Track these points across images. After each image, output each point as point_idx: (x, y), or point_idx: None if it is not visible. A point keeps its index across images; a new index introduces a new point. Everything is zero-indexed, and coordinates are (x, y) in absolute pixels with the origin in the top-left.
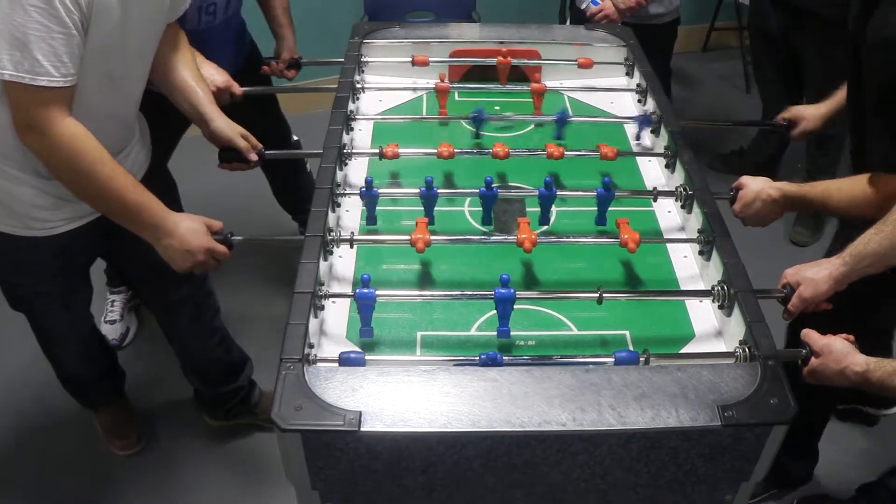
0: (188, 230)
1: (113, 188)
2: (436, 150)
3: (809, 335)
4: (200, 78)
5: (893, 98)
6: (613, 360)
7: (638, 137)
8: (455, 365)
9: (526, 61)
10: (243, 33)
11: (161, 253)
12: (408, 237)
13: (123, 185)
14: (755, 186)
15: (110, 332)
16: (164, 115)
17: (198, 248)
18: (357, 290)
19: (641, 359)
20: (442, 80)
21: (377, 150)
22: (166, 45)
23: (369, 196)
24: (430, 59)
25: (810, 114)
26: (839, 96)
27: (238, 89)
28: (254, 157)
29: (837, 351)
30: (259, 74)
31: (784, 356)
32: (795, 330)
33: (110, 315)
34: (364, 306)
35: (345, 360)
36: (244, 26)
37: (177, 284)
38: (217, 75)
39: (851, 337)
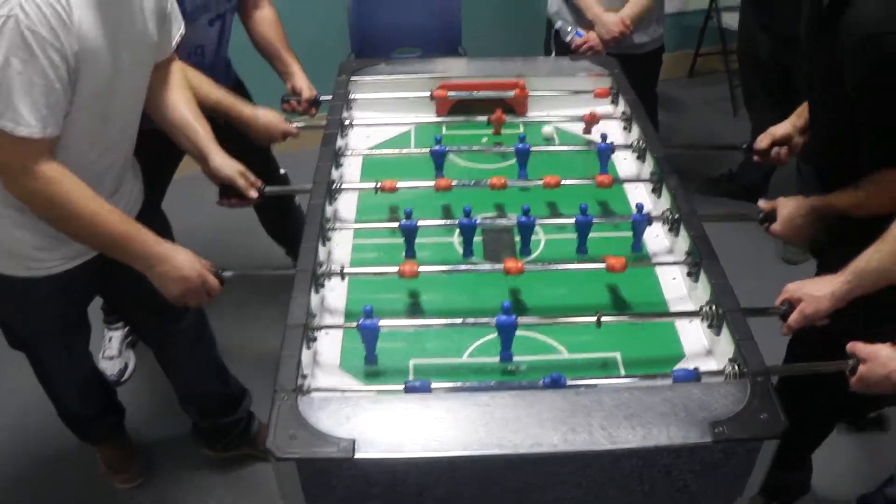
0: (180, 258)
1: (99, 224)
2: (433, 183)
3: (855, 346)
4: (199, 115)
5: (887, 97)
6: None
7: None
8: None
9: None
10: (229, 70)
11: (154, 281)
12: (397, 268)
13: (109, 220)
14: (792, 205)
15: (108, 367)
16: (156, 155)
17: (189, 273)
18: (360, 321)
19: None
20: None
21: (373, 185)
22: (163, 82)
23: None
24: (431, 92)
25: (786, 133)
26: (801, 109)
27: (293, 129)
28: (253, 194)
29: (884, 356)
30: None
31: (832, 367)
32: (795, 346)
33: (108, 351)
34: (369, 337)
35: (410, 388)
36: (230, 63)
37: (174, 319)
38: (275, 120)
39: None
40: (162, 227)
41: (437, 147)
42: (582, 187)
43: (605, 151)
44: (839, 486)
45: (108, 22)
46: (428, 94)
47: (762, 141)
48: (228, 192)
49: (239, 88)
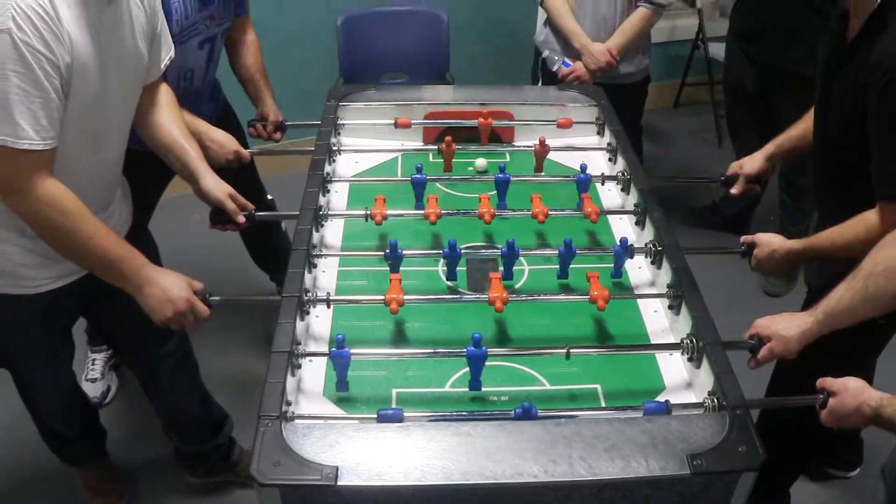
0: (170, 281)
1: (95, 244)
2: (423, 212)
3: (825, 380)
4: (190, 136)
5: None
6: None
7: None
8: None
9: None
10: (218, 92)
11: (142, 303)
12: (382, 297)
13: (105, 242)
14: (767, 244)
15: (91, 390)
16: (144, 175)
17: (178, 296)
18: (332, 350)
19: None
20: (448, 145)
21: (363, 212)
22: (152, 104)
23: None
24: (412, 120)
25: (747, 162)
26: (779, 140)
27: (247, 155)
28: (241, 219)
29: (853, 388)
30: (232, 131)
31: (803, 402)
32: (777, 379)
33: (91, 373)
34: (339, 365)
35: (383, 417)
36: (219, 86)
37: (158, 342)
38: (228, 143)
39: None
40: (148, 248)
41: (417, 175)
42: (567, 218)
43: (584, 182)
44: None
45: (97, 37)
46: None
47: (731, 169)
48: (220, 217)
49: (227, 112)
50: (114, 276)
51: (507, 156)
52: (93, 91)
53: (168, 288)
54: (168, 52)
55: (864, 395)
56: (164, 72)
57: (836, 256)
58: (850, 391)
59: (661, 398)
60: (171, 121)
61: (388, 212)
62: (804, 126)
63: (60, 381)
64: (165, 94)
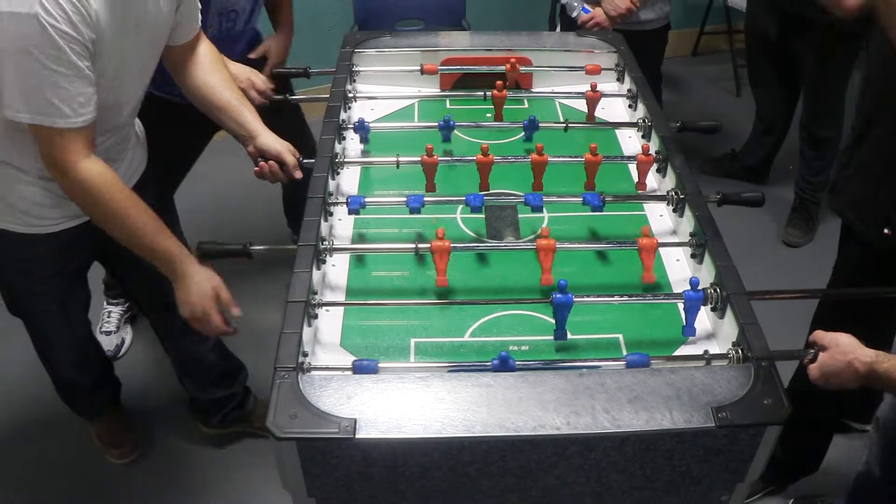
0: (194, 285)
1: (134, 230)
2: (475, 158)
3: (817, 333)
4: (243, 96)
5: None
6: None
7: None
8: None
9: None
10: (257, 40)
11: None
12: (397, 245)
13: (143, 228)
14: (844, 355)
15: (106, 342)
16: (181, 147)
17: (196, 304)
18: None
19: None
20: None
21: (394, 159)
22: (196, 63)
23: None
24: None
25: None
26: None
27: (299, 174)
28: (299, 174)
29: (844, 344)
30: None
31: (792, 356)
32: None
33: (106, 326)
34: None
35: (358, 368)
36: (259, 35)
37: (173, 289)
38: (241, 73)
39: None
40: (171, 218)
41: (443, 121)
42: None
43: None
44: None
45: (119, 6)
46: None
47: None
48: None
49: (263, 60)
50: (148, 258)
51: (525, 102)
52: (114, 61)
53: (190, 292)
54: (198, 9)
55: (856, 351)
56: (206, 22)
57: None
58: (840, 346)
59: (683, 348)
60: (221, 82)
61: (404, 158)
62: None
63: (74, 327)
64: (209, 52)
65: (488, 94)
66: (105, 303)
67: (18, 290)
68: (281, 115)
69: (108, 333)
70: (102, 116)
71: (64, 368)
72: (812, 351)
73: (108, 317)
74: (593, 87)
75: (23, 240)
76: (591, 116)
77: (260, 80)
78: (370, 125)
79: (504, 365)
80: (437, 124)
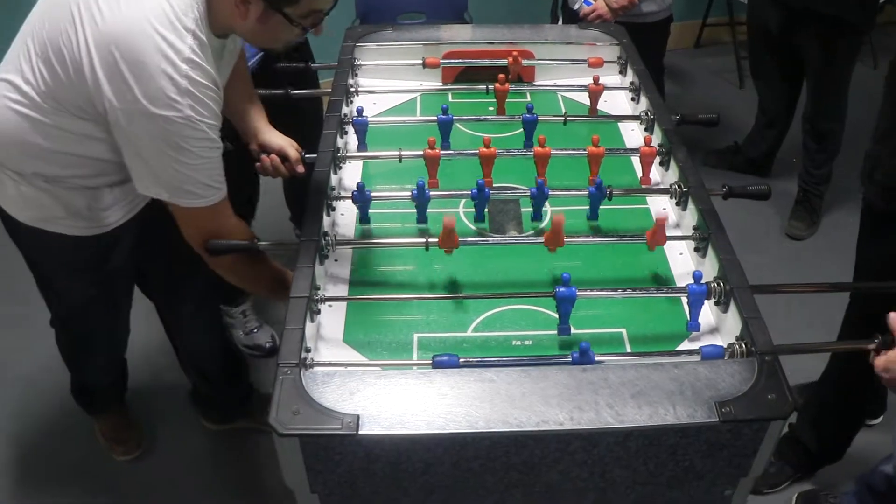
0: None
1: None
2: (477, 151)
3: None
4: (254, 94)
5: None
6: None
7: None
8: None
9: (529, 62)
10: None
11: None
12: (402, 239)
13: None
14: None
15: (261, 338)
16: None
17: None
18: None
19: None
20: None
21: (397, 153)
22: None
23: (362, 199)
24: (435, 60)
25: None
26: None
27: (301, 168)
28: (301, 168)
29: None
30: (272, 74)
31: (852, 347)
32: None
33: (249, 325)
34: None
35: (438, 363)
36: None
37: (189, 274)
38: (289, 148)
39: None
40: None
41: (443, 116)
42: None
43: (530, 123)
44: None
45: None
46: (433, 60)
47: None
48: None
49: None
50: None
51: (528, 95)
52: None
53: None
54: None
55: None
56: None
57: None
58: None
59: (686, 343)
60: (234, 77)
61: (407, 152)
62: None
63: (119, 329)
64: None
65: (490, 87)
66: (232, 307)
67: (72, 296)
68: (301, 108)
69: (254, 331)
70: None
71: (91, 370)
72: (879, 339)
73: (246, 316)
74: (596, 80)
75: (78, 242)
76: (593, 109)
77: (293, 151)
78: (367, 119)
79: (585, 357)
80: (435, 118)
